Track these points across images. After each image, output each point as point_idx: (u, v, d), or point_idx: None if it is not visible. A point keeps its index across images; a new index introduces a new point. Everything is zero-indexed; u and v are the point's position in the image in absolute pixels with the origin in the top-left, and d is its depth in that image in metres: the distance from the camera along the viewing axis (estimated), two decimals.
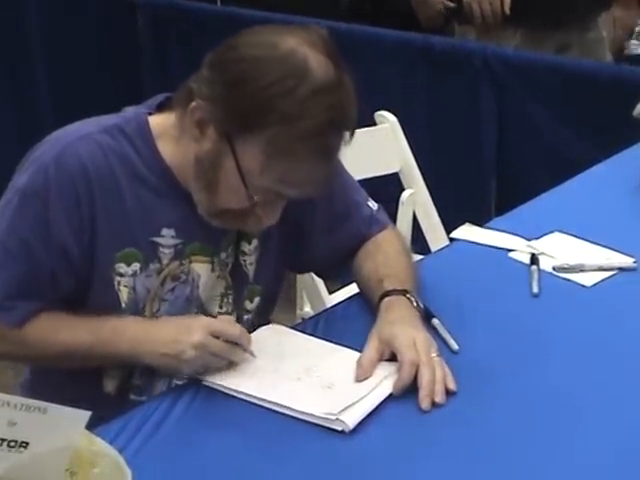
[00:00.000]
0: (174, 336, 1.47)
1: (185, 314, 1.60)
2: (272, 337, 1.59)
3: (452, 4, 3.34)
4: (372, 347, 1.50)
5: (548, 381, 1.50)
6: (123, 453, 1.19)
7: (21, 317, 1.53)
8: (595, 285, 1.78)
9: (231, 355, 1.47)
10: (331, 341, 1.58)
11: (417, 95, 3.15)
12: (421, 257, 1.98)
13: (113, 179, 1.52)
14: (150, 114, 1.58)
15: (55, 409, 1.11)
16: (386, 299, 1.59)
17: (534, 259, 1.84)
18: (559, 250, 1.89)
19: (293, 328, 1.64)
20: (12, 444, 1.10)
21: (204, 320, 1.52)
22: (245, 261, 1.66)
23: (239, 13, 3.44)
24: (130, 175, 1.53)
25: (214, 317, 1.63)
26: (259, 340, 1.58)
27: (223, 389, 1.46)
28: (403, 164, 2.60)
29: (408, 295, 1.59)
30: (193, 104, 1.46)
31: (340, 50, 1.47)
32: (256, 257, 1.67)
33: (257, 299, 1.69)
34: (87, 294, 1.55)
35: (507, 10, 3.17)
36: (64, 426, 1.12)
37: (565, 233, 1.96)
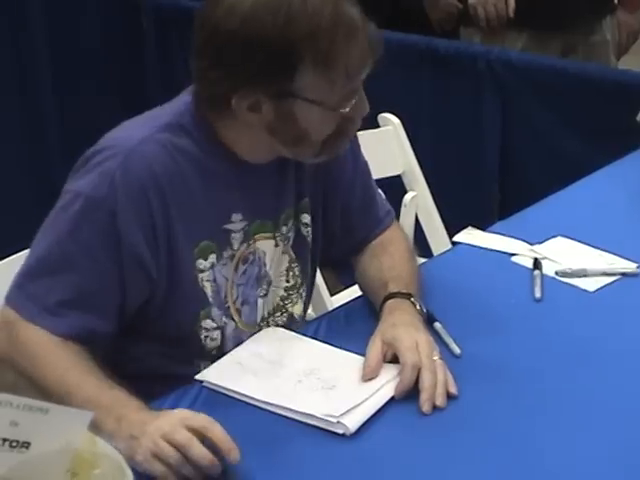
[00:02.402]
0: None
1: (256, 293, 1.62)
2: (274, 340, 1.59)
3: (460, 5, 3.34)
4: (375, 348, 1.50)
5: (550, 385, 1.50)
6: None
7: (70, 326, 1.44)
8: (598, 290, 1.78)
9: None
10: (333, 344, 1.58)
11: (421, 98, 3.15)
12: (423, 260, 1.98)
13: (181, 177, 1.50)
14: None
15: (57, 410, 1.12)
16: (390, 301, 1.59)
17: (537, 263, 1.84)
18: (562, 255, 1.89)
19: (295, 331, 1.64)
20: (14, 444, 1.11)
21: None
22: (308, 231, 1.69)
23: None
24: (196, 168, 1.52)
25: (281, 293, 1.67)
26: (261, 342, 1.58)
27: (224, 391, 1.46)
28: (406, 167, 2.59)
29: (412, 299, 1.59)
30: (233, 102, 1.46)
31: None
32: (312, 229, 1.70)
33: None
34: (167, 302, 1.52)
35: (511, 13, 3.17)
36: (66, 427, 1.13)
37: (568, 238, 1.95)
